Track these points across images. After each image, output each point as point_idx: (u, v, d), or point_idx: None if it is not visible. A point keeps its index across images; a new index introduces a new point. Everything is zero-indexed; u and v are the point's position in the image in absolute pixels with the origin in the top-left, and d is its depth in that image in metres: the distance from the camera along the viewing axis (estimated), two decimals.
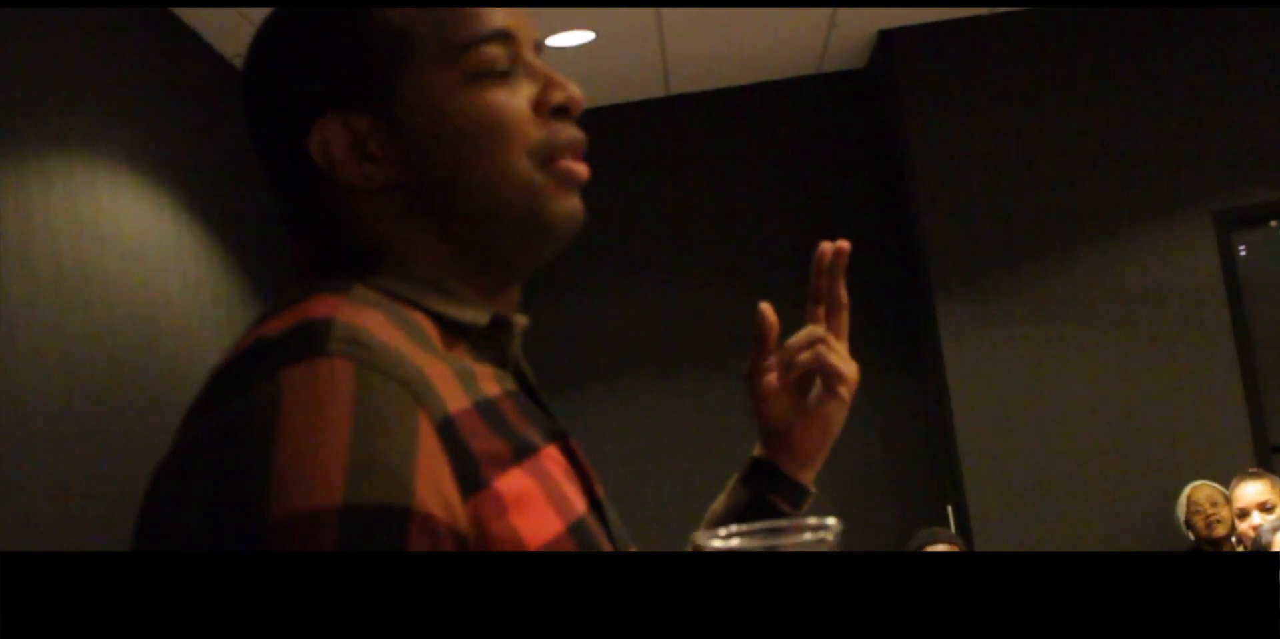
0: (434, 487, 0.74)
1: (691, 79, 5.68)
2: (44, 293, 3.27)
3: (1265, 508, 4.18)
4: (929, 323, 5.18)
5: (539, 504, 0.82)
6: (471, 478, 0.78)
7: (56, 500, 3.19)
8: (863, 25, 5.17)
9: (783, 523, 0.76)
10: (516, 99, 0.90)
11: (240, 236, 4.55)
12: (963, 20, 5.17)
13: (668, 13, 4.78)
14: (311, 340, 0.77)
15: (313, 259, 0.92)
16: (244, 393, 0.75)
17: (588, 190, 0.95)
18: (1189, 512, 4.45)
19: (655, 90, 5.76)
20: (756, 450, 1.18)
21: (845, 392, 1.13)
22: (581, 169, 0.93)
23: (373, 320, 0.81)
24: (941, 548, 4.21)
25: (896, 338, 5.55)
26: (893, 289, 5.58)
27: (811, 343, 1.11)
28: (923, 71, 5.20)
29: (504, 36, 0.91)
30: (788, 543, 0.74)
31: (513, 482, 0.81)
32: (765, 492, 1.15)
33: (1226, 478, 4.47)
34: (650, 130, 5.78)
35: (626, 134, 5.69)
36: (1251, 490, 4.25)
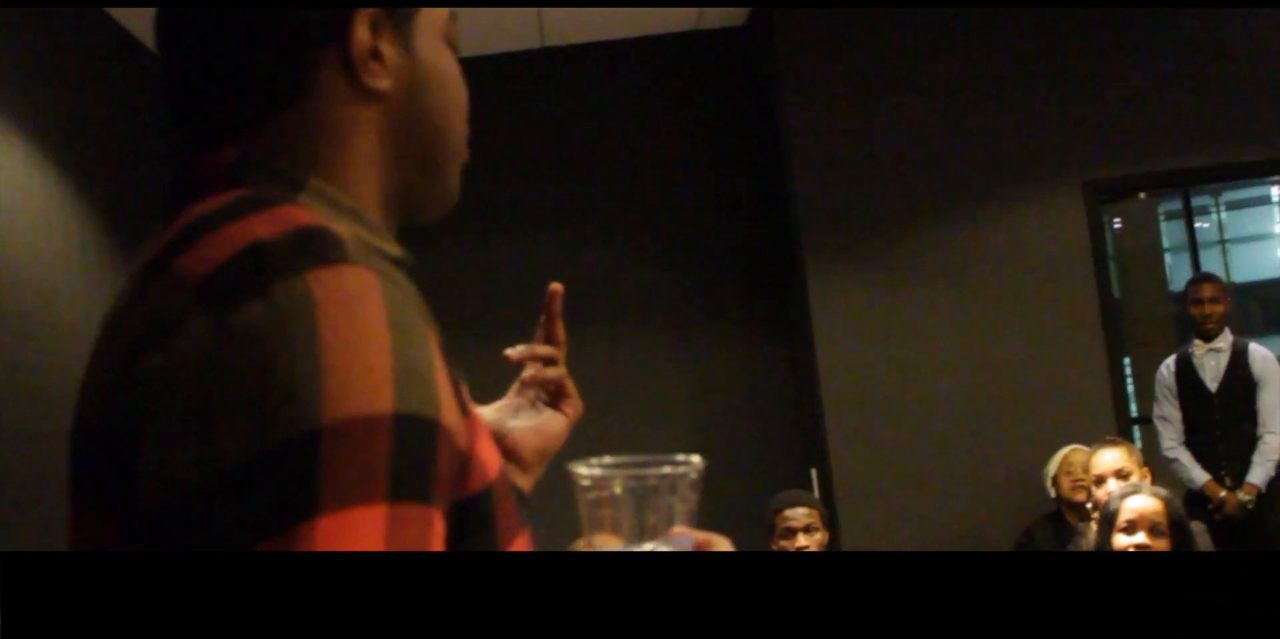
0: (450, 403, 0.76)
1: (566, 31, 5.56)
2: None
3: (1121, 475, 4.24)
4: (799, 285, 5.16)
5: (486, 434, 0.86)
6: (461, 400, 0.80)
7: None
8: None
9: (649, 457, 0.81)
10: None
11: (93, 177, 4.42)
12: None
13: None
14: (326, 246, 0.75)
15: (225, 172, 0.86)
16: (265, 292, 0.72)
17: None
18: (1060, 470, 4.61)
19: (530, 41, 5.63)
20: None
21: (572, 415, 1.18)
22: None
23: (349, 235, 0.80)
24: (802, 511, 4.17)
25: (766, 301, 5.53)
26: (764, 251, 5.55)
27: (555, 360, 1.17)
28: (801, 32, 5.16)
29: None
30: (651, 474, 0.80)
31: (476, 409, 0.84)
32: None
33: (1088, 445, 4.54)
34: (524, 83, 5.66)
35: (499, 86, 5.56)
36: (1108, 458, 4.31)
